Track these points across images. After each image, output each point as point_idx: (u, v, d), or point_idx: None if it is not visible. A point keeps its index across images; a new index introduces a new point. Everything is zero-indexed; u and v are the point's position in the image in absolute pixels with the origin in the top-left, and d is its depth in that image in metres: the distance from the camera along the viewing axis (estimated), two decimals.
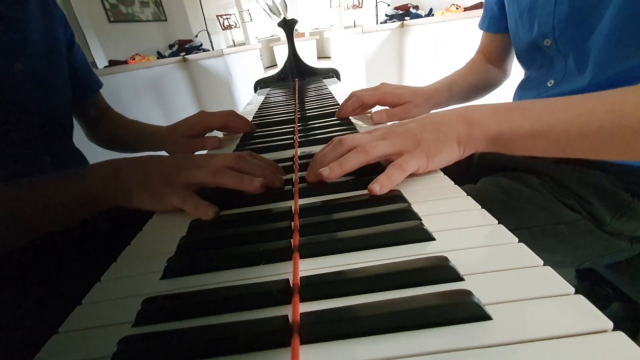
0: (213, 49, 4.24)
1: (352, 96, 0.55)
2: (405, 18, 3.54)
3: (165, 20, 5.14)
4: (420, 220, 0.25)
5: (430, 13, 3.89)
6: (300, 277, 0.20)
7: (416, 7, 3.96)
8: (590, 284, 0.55)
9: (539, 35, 0.47)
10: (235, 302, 0.19)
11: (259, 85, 1.19)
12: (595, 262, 0.46)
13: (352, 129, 0.50)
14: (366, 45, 2.33)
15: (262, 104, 0.86)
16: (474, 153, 0.33)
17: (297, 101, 0.79)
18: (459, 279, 0.19)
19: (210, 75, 2.45)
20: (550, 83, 0.49)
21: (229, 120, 0.56)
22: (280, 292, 0.19)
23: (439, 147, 0.31)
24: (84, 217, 0.33)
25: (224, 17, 4.75)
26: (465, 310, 0.16)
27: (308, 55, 3.64)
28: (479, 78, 0.65)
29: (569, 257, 0.44)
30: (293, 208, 0.29)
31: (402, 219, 0.25)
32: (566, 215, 0.42)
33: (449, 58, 2.23)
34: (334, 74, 1.17)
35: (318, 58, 4.68)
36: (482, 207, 0.26)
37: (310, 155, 0.41)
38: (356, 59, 2.49)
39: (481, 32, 0.67)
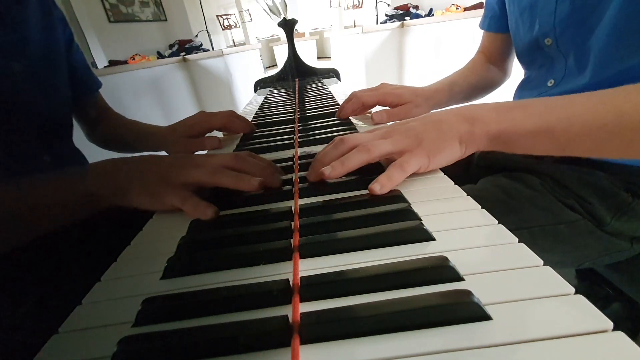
0: (213, 49, 4.24)
1: (352, 97, 0.55)
2: (405, 18, 3.54)
3: (165, 20, 5.14)
4: (420, 220, 0.25)
5: (430, 13, 3.89)
6: (300, 277, 0.20)
7: (416, 7, 3.96)
8: (590, 284, 0.55)
9: (540, 34, 0.47)
10: (235, 302, 0.19)
11: (259, 85, 1.19)
12: (595, 262, 0.46)
13: (352, 129, 0.50)
14: (366, 45, 2.33)
15: (262, 104, 0.86)
16: (474, 153, 0.33)
17: (297, 101, 0.79)
18: (459, 279, 0.19)
19: (210, 75, 2.45)
20: (551, 83, 0.49)
21: (229, 120, 0.56)
22: (280, 292, 0.19)
23: (441, 146, 0.31)
24: (82, 216, 0.33)
25: (224, 17, 4.75)
26: (465, 310, 0.16)
27: (308, 55, 3.64)
28: (480, 78, 0.65)
29: (569, 257, 0.44)
30: (293, 208, 0.29)
31: (402, 219, 0.25)
32: (566, 215, 0.42)
33: (449, 58, 2.23)
34: (334, 74, 1.17)
35: (318, 58, 4.68)
36: (482, 207, 0.26)
37: (310, 155, 0.41)
38: (356, 59, 2.49)
39: (481, 32, 0.67)
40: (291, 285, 0.20)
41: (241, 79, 2.56)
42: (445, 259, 0.20)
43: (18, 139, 0.45)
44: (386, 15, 3.92)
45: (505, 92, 0.69)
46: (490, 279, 0.19)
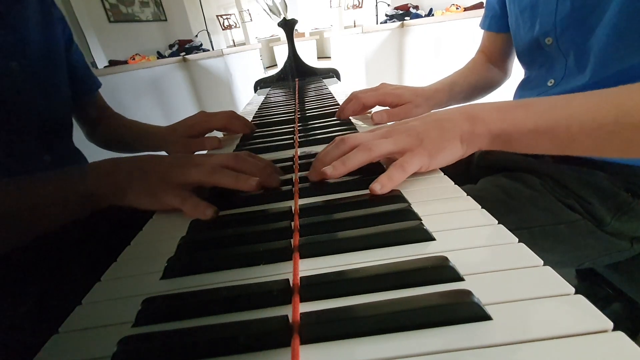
0: (213, 49, 4.24)
1: (352, 98, 0.55)
2: (405, 18, 3.54)
3: (165, 20, 5.14)
4: (420, 220, 0.25)
5: (430, 13, 3.89)
6: (300, 277, 0.20)
7: (416, 7, 3.96)
8: (590, 284, 0.55)
9: (540, 33, 0.47)
10: (235, 302, 0.19)
11: (259, 85, 1.19)
12: (595, 262, 0.46)
13: (352, 129, 0.50)
14: (366, 45, 2.33)
15: (262, 104, 0.86)
16: (474, 153, 0.33)
17: (297, 101, 0.79)
18: (459, 279, 0.19)
19: (210, 75, 2.45)
20: (551, 82, 0.49)
21: (229, 121, 0.56)
22: (280, 292, 0.19)
23: (442, 145, 0.31)
24: (82, 216, 0.33)
25: (224, 17, 4.75)
26: (465, 310, 0.16)
27: (308, 55, 3.64)
28: (480, 78, 0.65)
29: (569, 257, 0.44)
30: (293, 208, 0.29)
31: (402, 219, 0.25)
32: (566, 215, 0.42)
33: (449, 58, 2.23)
34: (334, 74, 1.17)
35: (318, 58, 4.68)
36: (482, 207, 0.26)
37: (310, 155, 0.41)
38: (356, 59, 2.49)
39: (481, 32, 0.67)
40: (291, 285, 0.20)
41: (241, 79, 2.56)
42: (445, 259, 0.20)
43: (18, 139, 0.45)
44: (386, 15, 3.92)
45: (505, 92, 0.69)
46: (490, 279, 0.19)
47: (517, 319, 0.16)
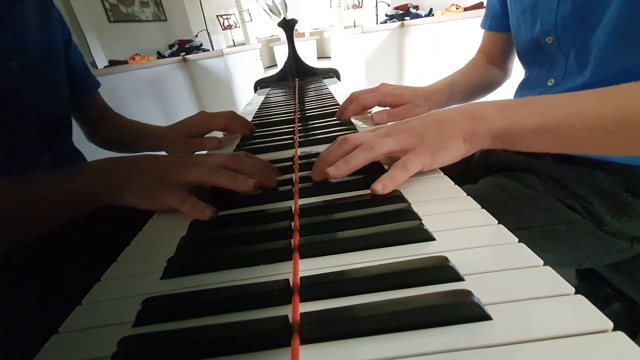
0: (213, 49, 4.24)
1: (353, 99, 0.55)
2: (405, 18, 3.54)
3: (165, 20, 5.14)
4: (420, 220, 0.25)
5: (430, 13, 3.89)
6: (300, 277, 0.20)
7: (416, 7, 3.96)
8: (590, 284, 0.55)
9: (541, 32, 0.47)
10: (235, 302, 0.19)
11: (259, 85, 1.19)
12: (595, 262, 0.46)
13: (352, 129, 0.50)
14: (366, 45, 2.33)
15: (262, 104, 0.86)
16: (474, 153, 0.33)
17: (297, 101, 0.79)
18: (459, 279, 0.19)
19: (210, 75, 2.45)
20: (551, 82, 0.49)
21: (229, 121, 0.56)
22: (280, 292, 0.19)
23: (443, 144, 0.31)
24: (80, 215, 0.33)
25: (224, 17, 4.75)
26: (465, 310, 0.16)
27: (308, 55, 3.64)
28: (480, 78, 0.65)
29: (569, 257, 0.44)
30: (293, 208, 0.29)
31: (402, 219, 0.25)
32: (566, 215, 0.42)
33: (449, 58, 2.23)
34: (334, 74, 1.17)
35: (318, 58, 4.68)
36: (482, 207, 0.26)
37: (310, 155, 0.41)
38: (356, 59, 2.49)
39: (481, 32, 0.67)
40: (291, 285, 0.20)
41: (241, 79, 2.56)
42: (445, 259, 0.20)
43: (17, 139, 0.45)
44: (386, 15, 3.92)
45: (505, 92, 0.69)
46: (491, 279, 0.19)
47: (517, 319, 0.16)
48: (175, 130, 0.56)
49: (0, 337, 0.33)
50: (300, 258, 0.23)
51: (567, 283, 0.18)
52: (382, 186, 0.29)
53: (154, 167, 0.33)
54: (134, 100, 1.97)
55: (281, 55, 3.50)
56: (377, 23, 3.79)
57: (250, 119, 0.69)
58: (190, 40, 4.82)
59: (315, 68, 1.18)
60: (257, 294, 0.20)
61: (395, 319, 0.16)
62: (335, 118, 0.58)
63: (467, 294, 0.17)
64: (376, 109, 0.57)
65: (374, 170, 0.33)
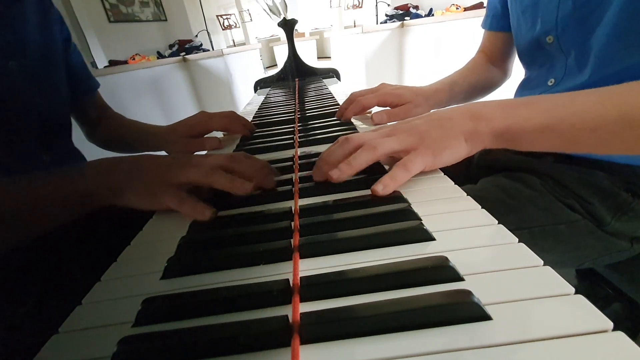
0: (213, 49, 4.24)
1: (353, 100, 0.55)
2: (405, 18, 3.54)
3: (165, 20, 5.14)
4: (420, 220, 0.25)
5: (430, 13, 3.89)
6: (300, 277, 0.20)
7: (416, 7, 3.96)
8: (590, 284, 0.55)
9: (542, 32, 0.47)
10: (235, 302, 0.19)
11: (259, 85, 1.19)
12: (595, 262, 0.46)
13: (352, 129, 0.50)
14: (366, 45, 2.33)
15: (262, 104, 0.86)
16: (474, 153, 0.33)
17: (297, 101, 0.79)
18: (459, 279, 0.19)
19: (210, 75, 2.45)
20: (551, 82, 0.49)
21: (229, 121, 0.56)
22: (280, 292, 0.19)
23: (445, 144, 0.31)
24: (79, 214, 0.33)
25: (224, 17, 4.75)
26: (465, 310, 0.16)
27: (308, 55, 3.64)
28: (480, 78, 0.65)
29: (569, 257, 0.44)
30: (293, 208, 0.29)
31: (402, 219, 0.25)
32: (566, 215, 0.42)
33: (449, 58, 2.23)
34: (334, 74, 1.17)
35: (318, 58, 4.68)
36: (482, 207, 0.26)
37: (310, 155, 0.41)
38: (356, 59, 2.49)
39: (481, 32, 0.67)
40: (291, 285, 0.20)
41: (241, 79, 2.56)
42: (445, 259, 0.20)
43: (17, 139, 0.45)
44: (386, 15, 3.92)
45: (505, 92, 0.69)
46: (491, 279, 0.19)
47: (517, 319, 0.16)
48: (175, 130, 0.56)
49: (0, 337, 0.33)
50: (300, 258, 0.23)
51: (567, 283, 0.18)
52: (383, 187, 0.29)
53: (154, 167, 0.33)
54: (134, 100, 1.97)
55: (281, 55, 3.50)
56: (377, 23, 3.79)
57: (250, 119, 0.69)
58: (190, 40, 4.82)
59: (315, 68, 1.18)
60: (257, 294, 0.20)
61: (395, 319, 0.16)
62: (335, 118, 0.58)
63: (467, 294, 0.17)
64: (376, 109, 0.57)
65: (375, 170, 0.33)
